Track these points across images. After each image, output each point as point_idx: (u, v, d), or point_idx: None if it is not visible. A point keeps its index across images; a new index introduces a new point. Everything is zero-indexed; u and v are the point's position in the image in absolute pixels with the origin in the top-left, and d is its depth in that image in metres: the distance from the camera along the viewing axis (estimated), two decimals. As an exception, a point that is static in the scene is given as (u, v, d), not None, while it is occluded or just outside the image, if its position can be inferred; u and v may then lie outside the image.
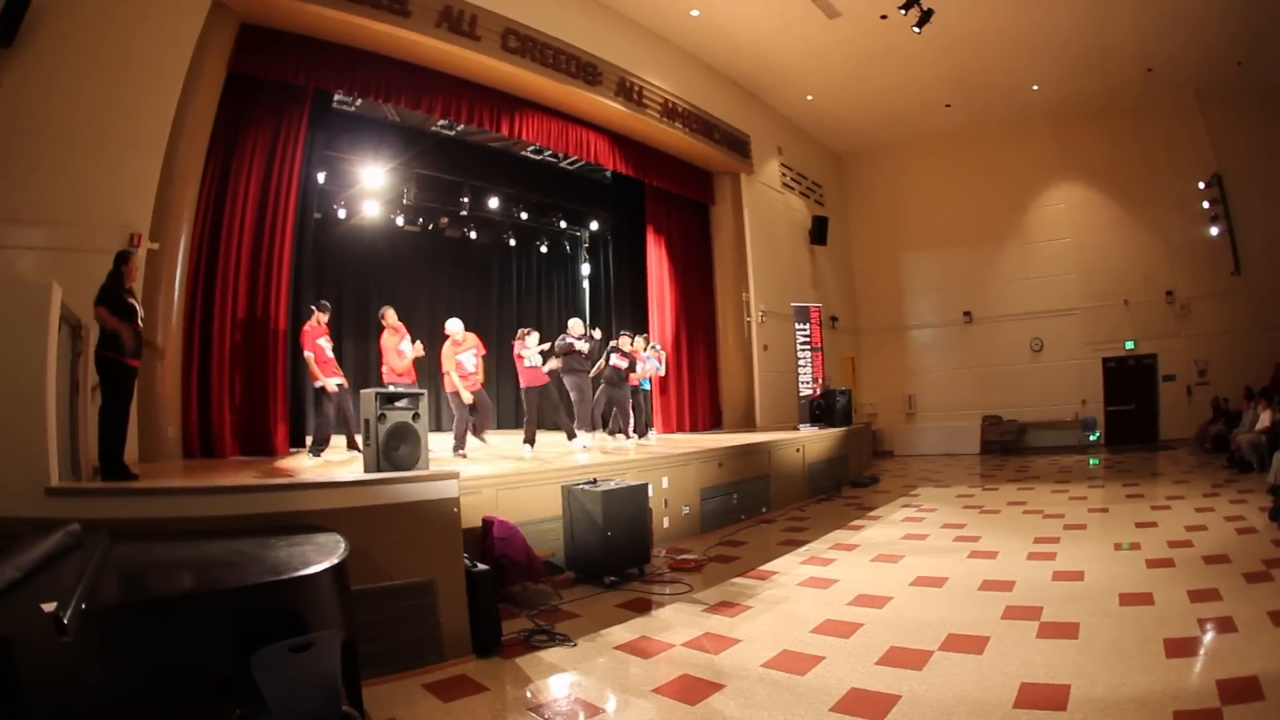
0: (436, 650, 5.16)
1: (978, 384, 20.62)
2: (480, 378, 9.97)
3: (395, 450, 6.01)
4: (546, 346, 10.50)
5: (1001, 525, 9.35)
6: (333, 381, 9.30)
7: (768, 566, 7.77)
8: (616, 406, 12.02)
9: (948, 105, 19.20)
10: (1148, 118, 18.68)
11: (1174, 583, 6.09)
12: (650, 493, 7.96)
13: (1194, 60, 16.54)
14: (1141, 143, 18.78)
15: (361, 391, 6.38)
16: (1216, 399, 17.15)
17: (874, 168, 22.46)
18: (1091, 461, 16.18)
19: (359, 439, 7.63)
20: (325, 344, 9.51)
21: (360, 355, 15.64)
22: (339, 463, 8.49)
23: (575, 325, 10.95)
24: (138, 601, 3.26)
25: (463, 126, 13.57)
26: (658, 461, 9.23)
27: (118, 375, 5.85)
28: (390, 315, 9.86)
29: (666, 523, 9.01)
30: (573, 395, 10.87)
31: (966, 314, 20.93)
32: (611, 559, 7.11)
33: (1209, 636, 4.85)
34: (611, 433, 12.28)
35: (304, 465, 8.26)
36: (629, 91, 13.60)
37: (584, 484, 7.40)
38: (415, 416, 6.20)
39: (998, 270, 20.57)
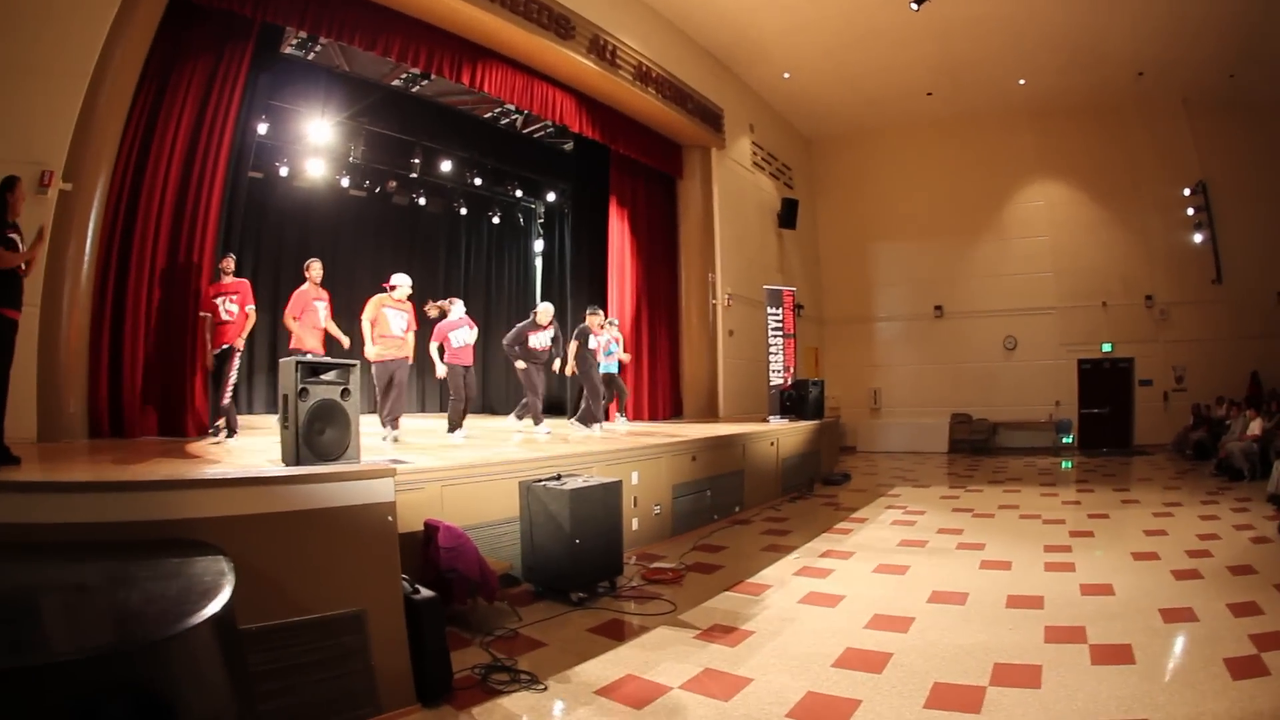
0: (370, 700, 4.02)
1: (947, 381, 20.11)
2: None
3: (319, 435, 4.97)
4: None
5: (1001, 531, 8.85)
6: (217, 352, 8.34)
7: (758, 579, 6.87)
8: (589, 392, 10.86)
9: (929, 93, 18.64)
10: (1134, 121, 18.44)
11: (1209, 596, 5.77)
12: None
13: (1186, 68, 16.36)
14: (1127, 145, 18.54)
15: (280, 361, 5.27)
16: (1198, 405, 16.94)
17: (846, 153, 21.75)
18: (1065, 464, 15.95)
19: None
20: (223, 301, 8.36)
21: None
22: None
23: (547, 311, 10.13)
24: None
25: (418, 78, 12.56)
26: (626, 454, 8.17)
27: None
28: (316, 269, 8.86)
29: (635, 524, 7.93)
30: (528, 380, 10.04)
31: (937, 308, 20.37)
32: (580, 571, 6.01)
33: (1270, 655, 4.48)
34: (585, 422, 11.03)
35: (212, 449, 7.14)
36: (602, 50, 12.63)
37: (547, 480, 6.30)
38: (345, 393, 5.15)
39: (971, 265, 20.07)
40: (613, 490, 6.46)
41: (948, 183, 20.32)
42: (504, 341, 10.00)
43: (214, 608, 2.63)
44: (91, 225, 7.77)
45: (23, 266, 5.13)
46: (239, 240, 10.34)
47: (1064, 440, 18.69)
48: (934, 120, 20.18)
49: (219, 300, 8.32)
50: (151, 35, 8.27)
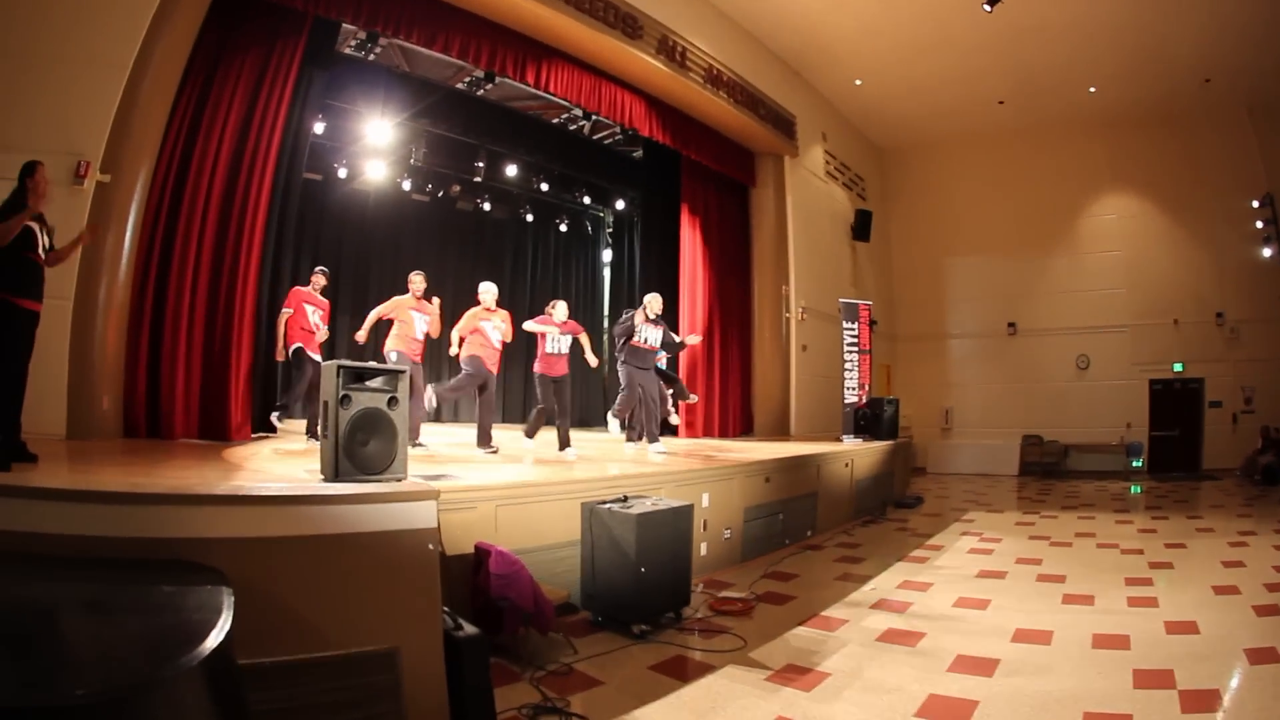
0: (398, 750, 3.49)
1: (1019, 401, 19.32)
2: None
3: (362, 446, 4.49)
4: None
5: (1080, 561, 8.25)
6: (293, 349, 8.42)
7: (832, 611, 6.26)
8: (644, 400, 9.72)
9: (1001, 102, 17.97)
10: (1201, 130, 17.64)
11: (1292, 633, 5.35)
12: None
13: (1251, 75, 15.64)
14: (1194, 156, 17.74)
15: (321, 364, 4.82)
16: (1266, 428, 16.04)
17: (918, 164, 21.11)
18: (1134, 489, 15.14)
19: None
20: (312, 311, 8.45)
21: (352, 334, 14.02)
22: (298, 452, 7.10)
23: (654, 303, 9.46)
24: None
25: (482, 82, 12.40)
26: (697, 475, 7.58)
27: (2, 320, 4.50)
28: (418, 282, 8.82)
29: (704, 549, 7.34)
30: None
31: (1011, 325, 19.63)
32: (644, 601, 5.44)
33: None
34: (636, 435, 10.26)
35: (250, 456, 6.71)
36: (671, 51, 12.19)
37: (612, 502, 5.73)
38: (392, 401, 4.66)
39: (1045, 280, 19.32)
40: (684, 515, 5.90)
41: (1020, 195, 19.66)
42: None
43: (202, 650, 2.13)
44: (131, 220, 7.57)
45: (41, 255, 4.80)
46: (294, 244, 10.12)
47: (1134, 464, 17.90)
48: (1006, 130, 19.50)
49: (310, 309, 8.45)
50: (197, 27, 8.10)
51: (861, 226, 18.73)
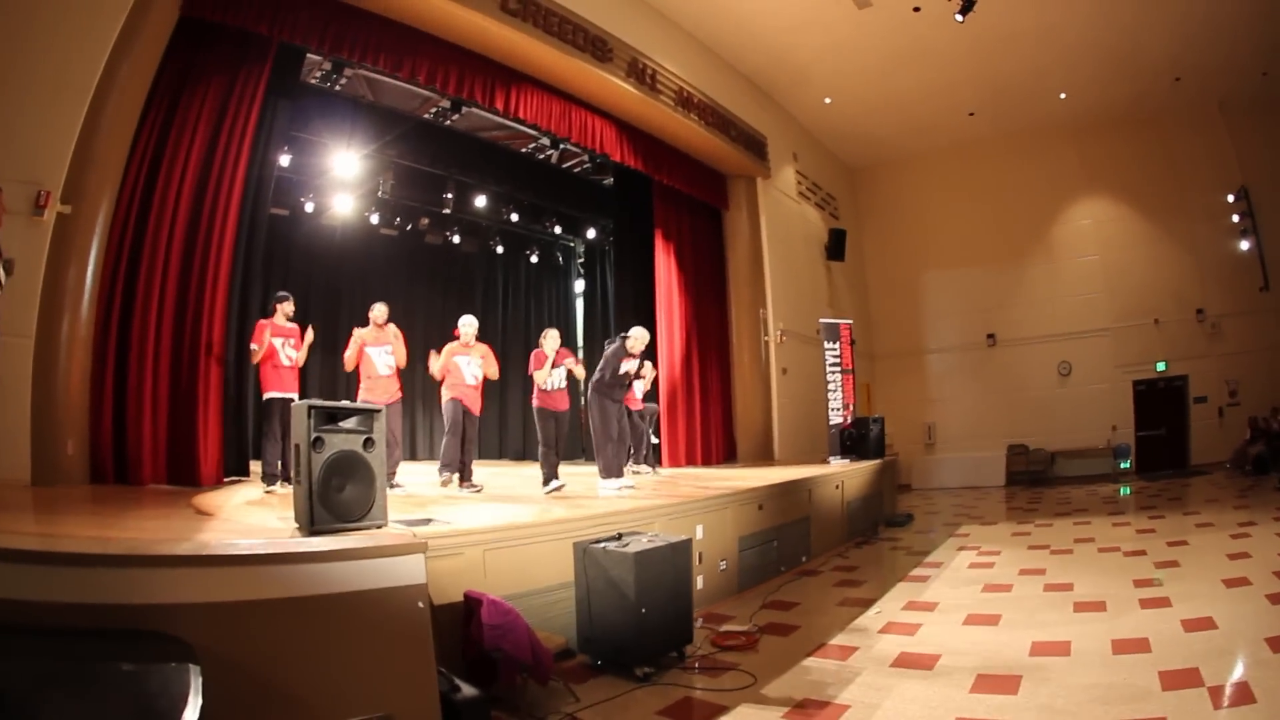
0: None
1: (1002, 411, 19.25)
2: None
3: (337, 492, 4.24)
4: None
5: (1084, 567, 8.10)
6: (265, 399, 7.89)
7: (840, 639, 6.00)
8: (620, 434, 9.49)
9: (971, 113, 18.00)
10: (1174, 129, 17.76)
11: (1307, 617, 5.39)
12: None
13: (1220, 71, 15.78)
14: (1168, 155, 17.84)
15: (292, 405, 4.53)
16: (1254, 418, 16.10)
17: (890, 181, 21.11)
18: (1123, 490, 15.14)
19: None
20: (283, 344, 7.98)
21: (327, 371, 13.73)
22: (271, 498, 6.80)
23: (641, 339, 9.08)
24: None
25: (449, 112, 12.24)
26: (689, 506, 7.28)
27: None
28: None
29: (700, 582, 6.98)
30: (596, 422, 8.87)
31: (990, 337, 19.57)
32: (645, 643, 5.12)
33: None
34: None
35: (221, 504, 6.36)
36: (641, 74, 12.01)
37: (606, 541, 5.43)
38: (368, 443, 4.38)
39: (1023, 290, 19.31)
40: (682, 550, 5.60)
41: (994, 206, 19.64)
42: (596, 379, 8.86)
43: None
44: (94, 253, 7.30)
45: None
46: (262, 280, 9.79)
47: (1122, 465, 17.83)
48: (977, 142, 19.51)
49: (280, 342, 7.94)
50: (160, 52, 7.86)
51: (836, 246, 18.63)
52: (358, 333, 8.32)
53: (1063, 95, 16.97)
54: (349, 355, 8.17)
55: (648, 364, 10.48)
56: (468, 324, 8.63)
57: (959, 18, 12.42)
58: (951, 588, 7.64)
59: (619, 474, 8.70)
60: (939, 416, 20.13)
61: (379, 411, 4.58)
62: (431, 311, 15.75)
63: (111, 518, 5.13)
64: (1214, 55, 15.04)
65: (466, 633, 4.48)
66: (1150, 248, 17.92)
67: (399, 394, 8.36)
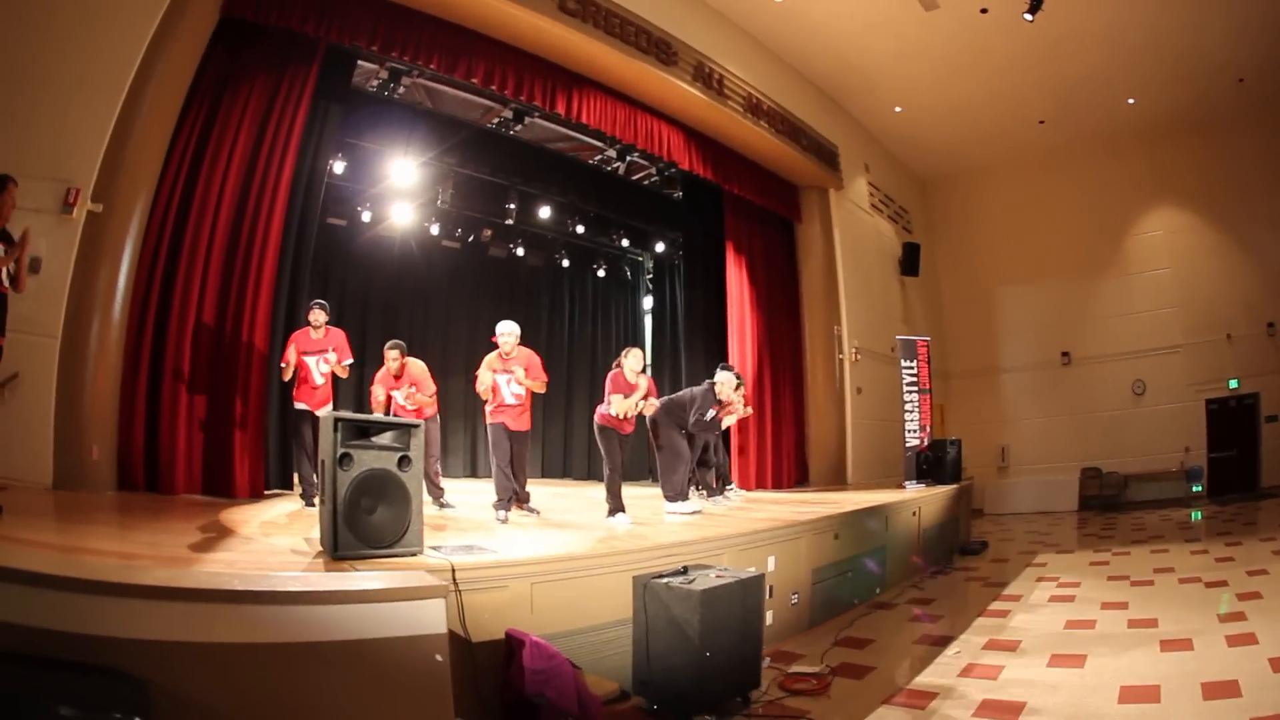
0: None
1: (1075, 433, 18.34)
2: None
3: (367, 514, 3.78)
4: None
5: (1167, 600, 7.58)
6: (301, 407, 7.43)
7: (919, 684, 5.43)
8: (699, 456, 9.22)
9: (1041, 121, 17.33)
10: (1238, 133, 16.85)
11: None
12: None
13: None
14: (1235, 160, 16.91)
15: (320, 416, 4.06)
16: None
17: (961, 193, 20.41)
18: (1194, 515, 14.42)
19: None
20: (316, 362, 7.49)
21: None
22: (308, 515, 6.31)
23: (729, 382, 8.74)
24: None
25: (512, 122, 12.00)
26: (761, 536, 6.71)
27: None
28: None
29: (770, 617, 6.38)
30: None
31: (1065, 354, 18.70)
32: (708, 688, 4.53)
33: None
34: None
35: (248, 520, 6.01)
36: (708, 78, 11.58)
37: (670, 575, 4.85)
38: (404, 461, 3.90)
39: (1096, 305, 18.47)
40: (753, 588, 5.00)
41: (1067, 218, 18.87)
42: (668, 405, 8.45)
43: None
44: (127, 254, 7.18)
45: (4, 283, 4.34)
46: (318, 290, 9.61)
47: (1194, 489, 16.89)
48: (1048, 151, 18.76)
49: (311, 360, 7.49)
50: (201, 51, 7.77)
51: (910, 260, 18.03)
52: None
53: (1131, 100, 16.36)
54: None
55: (737, 402, 9.88)
56: (507, 333, 7.64)
57: (1028, 17, 11.95)
58: (1032, 624, 7.13)
59: (686, 497, 8.18)
60: (1012, 438, 19.29)
61: (417, 427, 4.11)
62: (494, 327, 15.33)
63: (120, 529, 4.92)
64: (1274, 55, 14.41)
65: (507, 676, 3.96)
66: (1220, 258, 17.15)
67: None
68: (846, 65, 14.58)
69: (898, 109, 16.43)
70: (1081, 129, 17.70)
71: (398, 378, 7.80)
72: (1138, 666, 5.44)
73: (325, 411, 3.97)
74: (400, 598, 2.94)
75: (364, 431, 3.96)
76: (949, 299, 20.45)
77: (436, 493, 7.83)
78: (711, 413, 8.45)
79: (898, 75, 15.02)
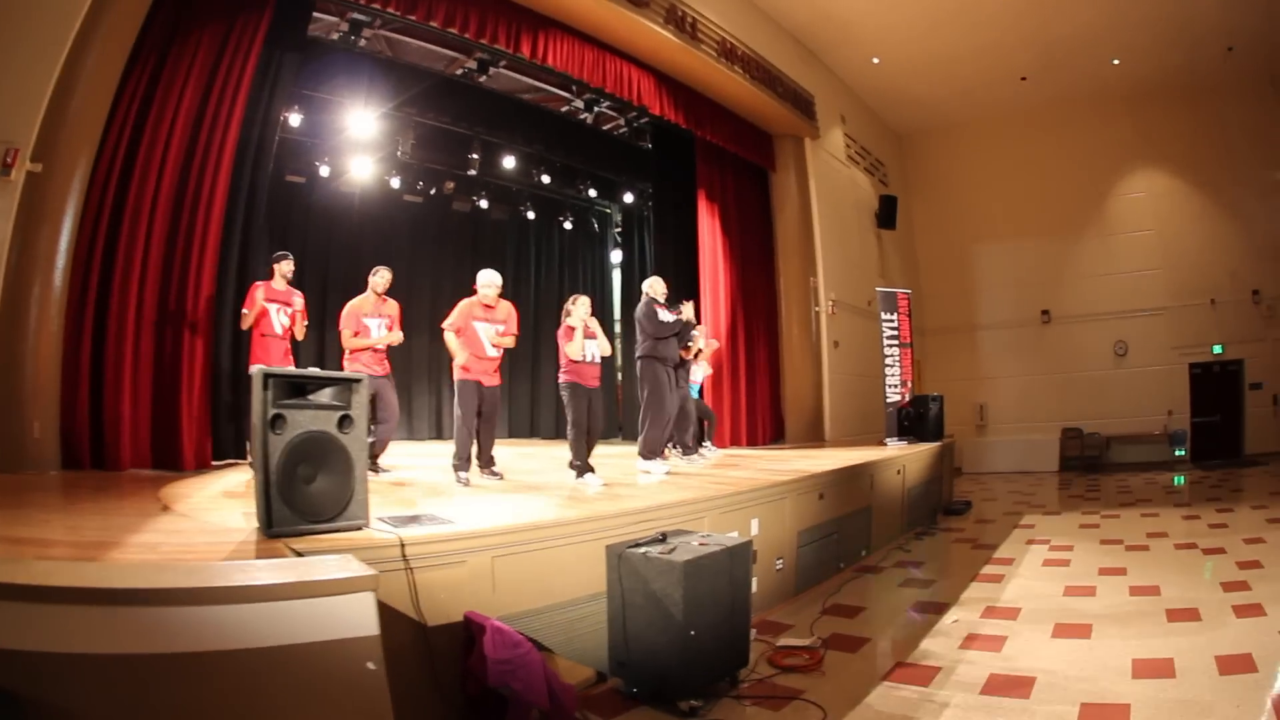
0: None
1: (1056, 392, 18.31)
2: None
3: (305, 484, 3.33)
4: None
5: (1165, 567, 7.44)
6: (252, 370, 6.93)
7: (918, 656, 5.09)
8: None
9: (1023, 78, 17.03)
10: (1228, 101, 16.75)
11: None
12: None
13: (1272, 44, 14.89)
14: (1223, 128, 16.83)
15: (251, 370, 3.60)
16: None
17: (940, 148, 20.10)
18: (1177, 480, 14.37)
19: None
20: (277, 310, 7.18)
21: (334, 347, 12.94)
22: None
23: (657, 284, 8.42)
24: None
25: (477, 72, 11.47)
26: (743, 497, 6.27)
27: None
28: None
29: (755, 584, 5.91)
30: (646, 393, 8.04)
31: (1045, 313, 18.56)
32: (693, 670, 4.10)
33: None
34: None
35: (190, 495, 5.58)
36: (680, 21, 11.10)
37: (647, 544, 4.40)
38: (345, 421, 3.46)
39: (1078, 264, 18.33)
40: (740, 556, 4.56)
41: (1048, 177, 18.69)
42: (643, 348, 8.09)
43: None
44: (69, 215, 6.79)
45: None
46: (274, 248, 9.03)
47: (1177, 453, 16.92)
48: (1029, 109, 18.52)
49: (275, 308, 7.17)
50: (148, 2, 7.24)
51: (886, 213, 17.79)
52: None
53: (1115, 61, 16.11)
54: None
55: (701, 336, 9.64)
56: (490, 283, 7.16)
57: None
58: (1030, 590, 6.89)
59: (661, 454, 7.79)
60: (990, 396, 19.20)
61: (359, 382, 3.65)
62: (459, 281, 14.84)
63: (46, 513, 4.49)
64: (1264, 26, 14.23)
65: (467, 665, 3.53)
66: (1205, 224, 17.09)
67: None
68: (824, 14, 14.20)
69: (875, 60, 16.09)
70: (1064, 88, 17.55)
71: (383, 300, 7.44)
72: (1146, 639, 5.27)
73: (256, 369, 3.48)
74: (316, 593, 2.39)
75: (299, 389, 3.49)
76: (926, 254, 20.26)
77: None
78: (665, 315, 8.16)
79: (876, 25, 14.68)
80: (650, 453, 7.75)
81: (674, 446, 9.31)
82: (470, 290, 7.19)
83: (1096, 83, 17.10)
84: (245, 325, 7.11)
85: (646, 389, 7.90)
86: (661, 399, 7.90)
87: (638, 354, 8.00)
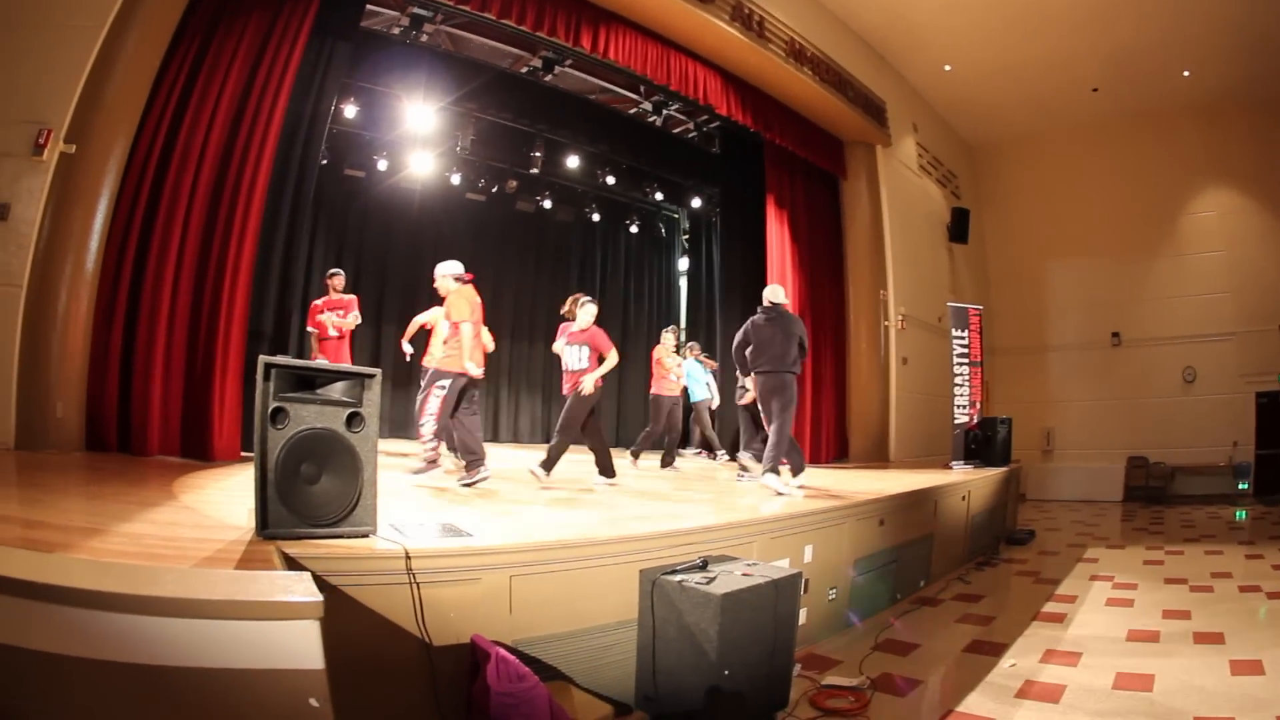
0: None
1: (1123, 419, 17.58)
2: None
3: (308, 484, 3.05)
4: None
5: (1229, 611, 6.98)
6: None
7: (971, 703, 4.64)
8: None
9: (1095, 89, 16.50)
10: None
11: None
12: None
13: None
14: None
15: (260, 360, 3.32)
16: None
17: (1011, 160, 19.54)
18: (1239, 515, 13.75)
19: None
20: (331, 320, 7.91)
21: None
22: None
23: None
24: None
25: (539, 69, 11.51)
26: (798, 523, 5.82)
27: None
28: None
29: (803, 616, 5.48)
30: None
31: (1115, 335, 17.87)
32: (724, 714, 3.66)
33: None
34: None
35: (200, 486, 5.40)
36: (747, 19, 10.84)
37: (685, 570, 3.97)
38: (354, 419, 3.14)
39: (1147, 285, 17.64)
40: (788, 590, 4.10)
41: (1119, 192, 18.04)
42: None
43: None
44: (104, 198, 6.84)
45: None
46: (335, 245, 9.01)
47: (1240, 486, 16.11)
48: (1100, 122, 17.91)
49: (327, 316, 7.88)
50: None
51: (959, 226, 17.23)
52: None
53: (1186, 73, 15.56)
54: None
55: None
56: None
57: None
58: (1092, 632, 6.46)
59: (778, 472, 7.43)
60: (1058, 421, 18.52)
61: (371, 376, 3.32)
62: (523, 285, 15.02)
63: (50, 494, 4.40)
64: None
65: (471, 692, 3.17)
66: (1275, 245, 16.31)
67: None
68: (895, 17, 13.86)
69: (947, 67, 15.70)
70: (1137, 100, 16.99)
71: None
72: (1208, 693, 4.90)
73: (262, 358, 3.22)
74: (251, 615, 2.00)
75: (306, 382, 3.19)
76: (996, 270, 19.66)
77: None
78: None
79: (946, 30, 14.31)
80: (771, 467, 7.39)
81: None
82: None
83: (1167, 94, 16.60)
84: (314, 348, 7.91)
85: (788, 403, 7.61)
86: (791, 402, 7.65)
87: (792, 369, 7.68)
